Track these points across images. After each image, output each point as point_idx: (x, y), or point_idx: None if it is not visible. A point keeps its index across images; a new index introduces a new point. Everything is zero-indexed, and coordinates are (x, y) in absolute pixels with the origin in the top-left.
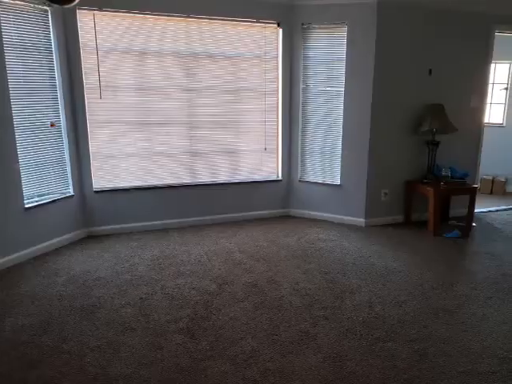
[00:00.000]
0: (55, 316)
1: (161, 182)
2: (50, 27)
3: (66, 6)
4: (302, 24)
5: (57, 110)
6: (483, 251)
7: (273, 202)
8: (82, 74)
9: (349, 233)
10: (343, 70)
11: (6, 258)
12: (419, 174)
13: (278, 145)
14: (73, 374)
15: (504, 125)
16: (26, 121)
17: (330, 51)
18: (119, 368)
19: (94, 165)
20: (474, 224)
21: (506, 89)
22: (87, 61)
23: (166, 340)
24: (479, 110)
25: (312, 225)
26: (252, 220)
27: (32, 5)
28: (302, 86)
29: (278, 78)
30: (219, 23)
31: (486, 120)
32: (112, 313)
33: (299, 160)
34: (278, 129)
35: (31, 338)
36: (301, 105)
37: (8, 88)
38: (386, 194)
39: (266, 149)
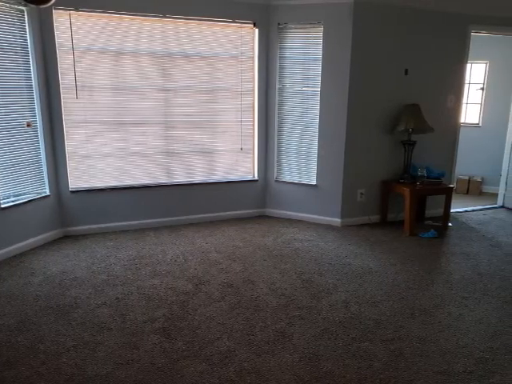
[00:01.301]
0: (31, 316)
1: (137, 182)
2: (27, 27)
3: (42, 6)
4: (278, 24)
5: (33, 110)
6: (459, 251)
7: (249, 202)
8: (58, 74)
9: (325, 233)
10: (319, 70)
11: None
12: (395, 173)
13: (254, 145)
14: (49, 374)
15: (480, 125)
16: (2, 121)
17: (306, 51)
18: (95, 368)
19: (71, 165)
20: (450, 224)
21: (482, 89)
22: (63, 61)
23: (142, 340)
24: (455, 110)
25: (288, 225)
26: (228, 220)
27: (8, 5)
28: (278, 85)
29: (254, 78)
30: (195, 23)
31: (462, 120)
32: (88, 313)
33: (275, 160)
34: (254, 129)
35: (7, 337)
36: (277, 105)
37: None
38: (362, 194)
39: (242, 149)
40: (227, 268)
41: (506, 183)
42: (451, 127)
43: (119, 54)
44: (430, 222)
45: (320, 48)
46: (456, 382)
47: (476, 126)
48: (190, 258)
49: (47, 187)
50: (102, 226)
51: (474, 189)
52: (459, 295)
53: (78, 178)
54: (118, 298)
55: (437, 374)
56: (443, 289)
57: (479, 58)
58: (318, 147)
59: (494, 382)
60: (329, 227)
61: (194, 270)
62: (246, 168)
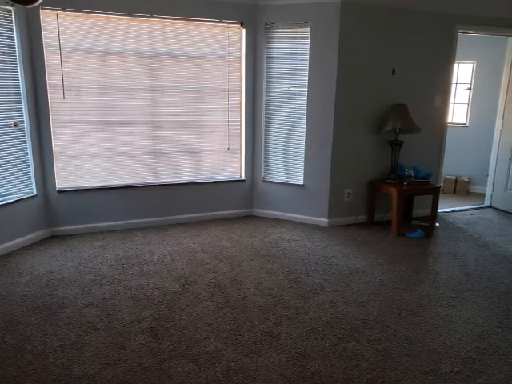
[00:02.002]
0: (18, 316)
1: (124, 182)
2: (14, 27)
3: (30, 6)
4: (266, 24)
5: (20, 110)
6: (446, 251)
7: (236, 202)
8: (45, 74)
9: (312, 233)
10: (306, 70)
11: None
12: (383, 173)
13: (241, 145)
14: (36, 374)
15: (467, 125)
16: None
17: (293, 51)
18: (82, 368)
19: (58, 165)
20: (437, 224)
21: (470, 89)
22: (51, 61)
23: (129, 340)
24: (443, 110)
25: (275, 225)
26: (215, 220)
27: None
28: (265, 85)
29: (241, 78)
30: (182, 23)
31: (449, 120)
32: (75, 313)
33: (262, 160)
34: (241, 129)
35: None
36: (264, 105)
37: None
38: (349, 194)
39: (229, 149)
40: (214, 268)
41: (493, 183)
42: (438, 127)
43: (106, 54)
44: (417, 222)
45: (307, 48)
46: (443, 382)
47: (463, 126)
48: (177, 257)
49: (34, 187)
50: (89, 226)
51: (461, 189)
52: (446, 295)
53: (65, 178)
54: (105, 298)
55: (424, 373)
56: (430, 289)
57: (466, 58)
58: (305, 147)
59: (481, 382)
60: (316, 227)
61: (181, 269)
62: (233, 168)
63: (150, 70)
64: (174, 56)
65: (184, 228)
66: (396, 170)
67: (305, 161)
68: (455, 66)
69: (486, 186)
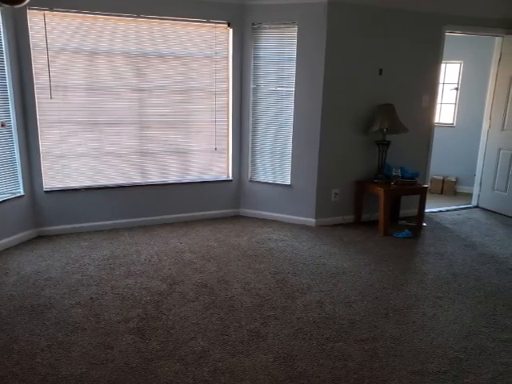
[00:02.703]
0: (5, 316)
1: (111, 182)
2: (0, 27)
3: (17, 6)
4: (253, 24)
5: (7, 110)
6: (433, 251)
7: (223, 202)
8: (32, 74)
9: (299, 233)
10: (294, 70)
11: None
12: (370, 173)
13: (228, 145)
14: (23, 374)
15: (454, 125)
16: None
17: (280, 51)
18: (69, 368)
19: (45, 165)
20: (424, 224)
21: (457, 89)
22: (38, 61)
23: (116, 340)
24: (430, 110)
25: (262, 225)
26: (203, 220)
27: None
28: (252, 85)
29: (228, 78)
30: (169, 23)
31: (436, 120)
32: (62, 313)
33: (249, 160)
34: (228, 129)
35: None
36: (251, 105)
37: None
38: (336, 194)
39: (216, 149)
40: (201, 268)
41: (481, 183)
42: (426, 127)
43: (93, 53)
44: (404, 222)
45: (294, 48)
46: (430, 382)
47: (450, 126)
48: (165, 258)
49: (21, 187)
50: (77, 226)
51: (448, 189)
52: (433, 295)
53: (52, 178)
54: (92, 298)
55: (411, 373)
56: (417, 289)
57: (454, 58)
58: (293, 147)
59: (468, 382)
60: (303, 227)
61: (168, 269)
62: (221, 168)
63: (137, 69)
64: (161, 56)
65: (171, 228)
66: (383, 170)
67: (292, 161)
68: (442, 65)
69: (473, 185)
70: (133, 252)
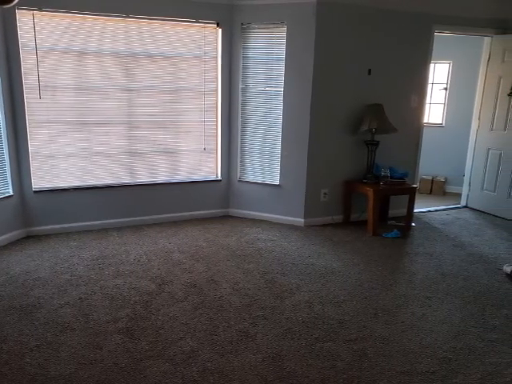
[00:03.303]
0: None
1: (100, 182)
2: None
3: (5, 6)
4: (242, 24)
5: None
6: (422, 251)
7: (212, 202)
8: (21, 74)
9: (288, 233)
10: (283, 70)
11: None
12: (359, 173)
13: (217, 145)
14: (12, 374)
15: (443, 125)
16: None
17: (269, 51)
18: (58, 368)
19: (34, 165)
20: (413, 224)
21: (446, 89)
22: (27, 61)
23: (105, 340)
24: (419, 110)
25: (251, 225)
26: (192, 220)
27: None
28: (241, 85)
29: (217, 78)
30: (158, 23)
31: (425, 120)
32: (51, 313)
33: (238, 160)
34: (217, 129)
35: None
36: (240, 105)
37: None
38: (325, 194)
39: (205, 149)
40: (190, 268)
41: (470, 183)
42: (415, 127)
43: (82, 54)
44: (393, 222)
45: (283, 48)
46: (419, 382)
47: (439, 125)
48: (154, 257)
49: (10, 187)
50: (65, 226)
51: (437, 189)
52: (422, 295)
53: (41, 178)
54: (81, 298)
55: (400, 373)
56: (406, 289)
57: (442, 58)
58: (281, 147)
59: (457, 382)
60: (292, 227)
61: (157, 269)
62: (210, 168)
63: (126, 70)
64: (150, 56)
65: (160, 228)
66: (372, 170)
67: (281, 161)
68: (431, 65)
69: (462, 186)
70: (122, 252)
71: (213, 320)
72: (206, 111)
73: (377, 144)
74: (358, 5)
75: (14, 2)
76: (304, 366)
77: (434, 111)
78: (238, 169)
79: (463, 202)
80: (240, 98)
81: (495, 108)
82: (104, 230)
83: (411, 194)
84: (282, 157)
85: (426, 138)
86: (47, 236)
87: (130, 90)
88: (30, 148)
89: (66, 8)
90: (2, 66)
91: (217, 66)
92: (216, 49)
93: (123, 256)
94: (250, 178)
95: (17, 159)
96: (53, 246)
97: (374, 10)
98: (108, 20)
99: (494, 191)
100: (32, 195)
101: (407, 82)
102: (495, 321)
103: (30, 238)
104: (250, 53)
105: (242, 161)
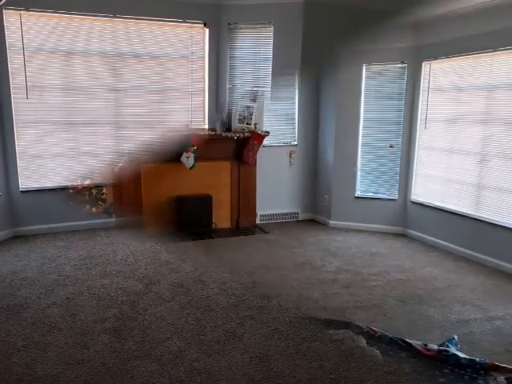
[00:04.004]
0: None
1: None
2: None
3: None
4: (229, 24)
5: None
6: None
7: None
8: (8, 74)
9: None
10: (269, 70)
11: None
12: None
13: None
14: None
15: None
16: None
17: (256, 51)
18: (46, 368)
19: (21, 165)
20: None
21: None
22: (14, 61)
23: (92, 340)
24: None
25: None
26: None
27: None
28: (228, 85)
29: (204, 78)
30: (146, 23)
31: None
32: (38, 313)
33: None
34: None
35: None
36: (227, 105)
37: None
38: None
39: None
40: (178, 268)
41: None
42: None
43: (70, 53)
44: None
45: (270, 48)
46: (406, 382)
47: None
48: (141, 258)
49: None
50: (53, 225)
51: None
52: None
53: (28, 178)
54: (68, 298)
55: (387, 373)
56: None
57: None
58: None
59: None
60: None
61: (144, 269)
62: None
63: (114, 69)
64: (137, 56)
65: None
66: None
67: None
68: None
69: None
70: (109, 252)
71: (200, 320)
72: (193, 111)
73: None
74: (345, 4)
75: (1, 3)
76: (291, 365)
77: None
78: None
79: None
80: (227, 98)
81: None
82: (91, 230)
83: None
84: None
85: None
86: (34, 236)
87: (117, 90)
88: (17, 148)
89: (53, 8)
90: None
91: (204, 65)
92: (203, 49)
93: (110, 256)
94: None
95: (4, 159)
96: (40, 245)
97: (362, 10)
98: (95, 20)
99: None
100: (19, 195)
101: None
102: None
103: (17, 238)
104: (237, 53)
105: None
